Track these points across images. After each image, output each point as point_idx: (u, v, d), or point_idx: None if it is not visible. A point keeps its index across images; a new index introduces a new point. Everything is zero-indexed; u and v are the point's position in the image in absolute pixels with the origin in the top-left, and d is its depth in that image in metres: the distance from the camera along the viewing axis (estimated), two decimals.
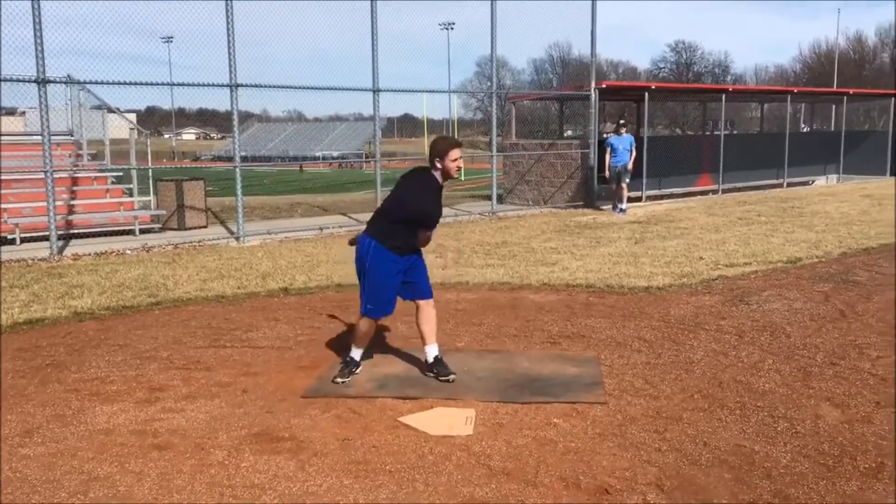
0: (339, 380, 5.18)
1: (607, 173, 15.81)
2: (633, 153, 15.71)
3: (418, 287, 5.26)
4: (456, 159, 5.03)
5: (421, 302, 5.28)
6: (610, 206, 15.92)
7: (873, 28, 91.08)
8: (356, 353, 5.33)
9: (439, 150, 5.04)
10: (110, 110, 14.15)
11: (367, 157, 45.46)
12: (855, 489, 3.64)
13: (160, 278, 8.95)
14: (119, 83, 11.26)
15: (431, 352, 5.31)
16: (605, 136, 17.19)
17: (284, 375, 5.41)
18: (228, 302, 7.82)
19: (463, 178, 32.83)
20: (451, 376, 5.20)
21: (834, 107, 26.18)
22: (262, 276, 9.08)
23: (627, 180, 15.71)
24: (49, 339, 6.45)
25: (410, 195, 5.09)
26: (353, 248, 5.23)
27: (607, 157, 15.68)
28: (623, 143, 15.63)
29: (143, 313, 7.38)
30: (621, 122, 16.66)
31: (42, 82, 10.38)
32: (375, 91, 13.57)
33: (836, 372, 5.32)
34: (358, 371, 5.32)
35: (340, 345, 6.17)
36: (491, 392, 5.01)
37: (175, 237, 12.27)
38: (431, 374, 5.26)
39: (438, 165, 5.05)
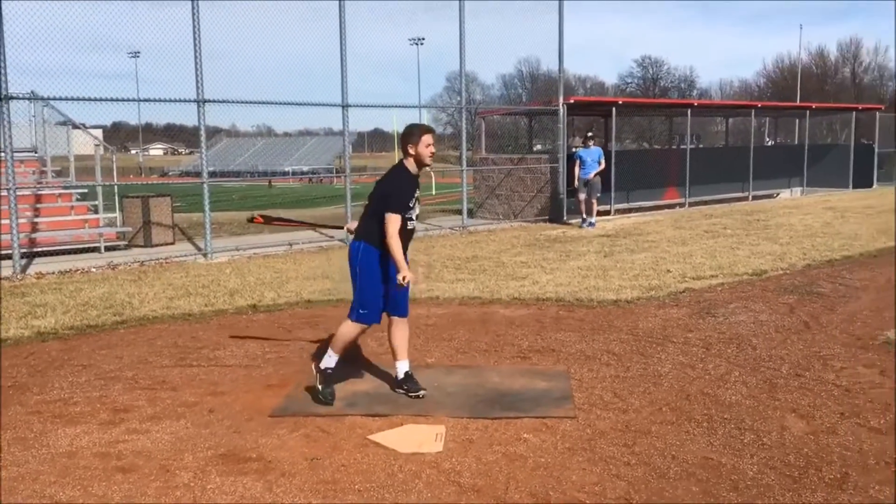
0: (328, 396, 5.08)
1: (576, 184, 15.84)
2: (602, 165, 15.74)
3: (397, 301, 5.17)
4: (429, 144, 5.00)
5: (396, 317, 5.22)
6: (579, 220, 16.00)
7: (835, 43, 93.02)
8: (332, 361, 5.18)
9: (412, 136, 4.99)
10: (75, 126, 13.97)
11: (337, 172, 45.36)
12: (820, 500, 3.68)
13: (126, 296, 8.82)
14: (84, 99, 11.12)
15: (402, 368, 5.27)
16: (573, 150, 17.34)
17: (252, 395, 5.35)
18: (195, 320, 7.73)
19: (434, 192, 32.90)
20: (422, 392, 5.18)
21: (797, 121, 26.67)
22: (230, 293, 8.99)
23: (598, 194, 15.74)
24: (11, 359, 6.31)
25: (391, 189, 4.98)
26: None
27: (576, 169, 15.74)
28: (591, 156, 15.67)
29: (107, 332, 7.26)
30: (589, 134, 16.73)
31: (5, 99, 10.23)
32: (345, 106, 13.56)
33: (801, 383, 5.39)
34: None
35: (310, 362, 6.12)
36: (461, 408, 4.99)
37: (141, 254, 12.12)
38: (402, 391, 5.23)
39: (411, 152, 5.02)
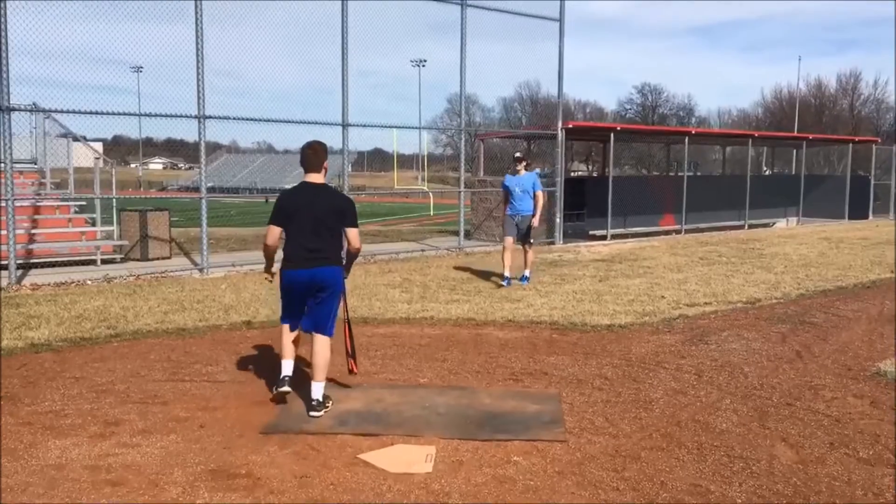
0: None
1: (503, 224, 11.19)
2: (540, 200, 10.75)
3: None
4: None
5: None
6: (575, 244, 15.87)
7: (834, 75, 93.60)
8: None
9: None
10: (76, 139, 14.01)
11: None
12: None
13: (120, 310, 8.83)
14: (86, 112, 11.17)
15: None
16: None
17: (243, 410, 5.35)
18: (189, 335, 7.73)
19: (432, 213, 32.93)
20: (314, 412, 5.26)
21: (794, 151, 26.85)
22: (225, 308, 9.00)
23: (531, 241, 10.97)
24: (3, 370, 6.30)
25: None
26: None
27: (504, 203, 11.13)
28: (522, 185, 10.75)
29: (101, 345, 7.26)
30: (517, 155, 11.34)
31: (6, 110, 10.29)
32: (345, 126, 13.65)
33: (791, 412, 5.41)
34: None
35: (303, 380, 6.12)
36: (452, 429, 5.00)
37: (137, 268, 12.13)
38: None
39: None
